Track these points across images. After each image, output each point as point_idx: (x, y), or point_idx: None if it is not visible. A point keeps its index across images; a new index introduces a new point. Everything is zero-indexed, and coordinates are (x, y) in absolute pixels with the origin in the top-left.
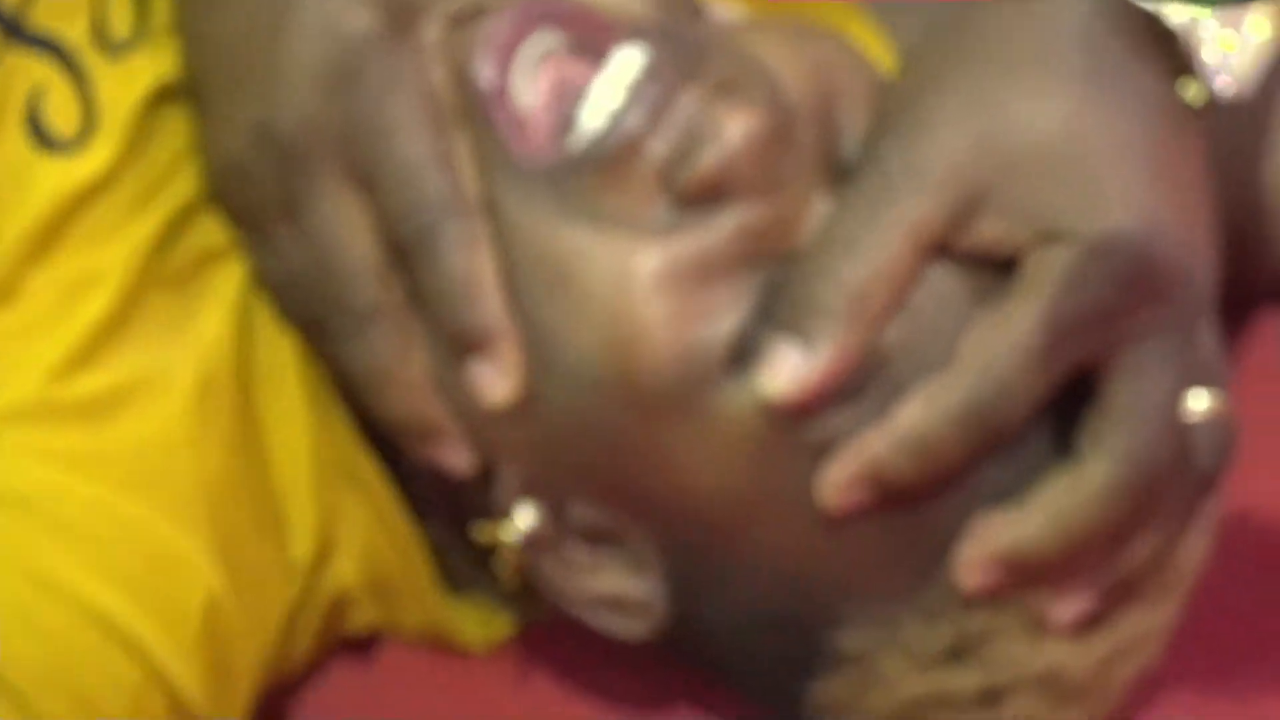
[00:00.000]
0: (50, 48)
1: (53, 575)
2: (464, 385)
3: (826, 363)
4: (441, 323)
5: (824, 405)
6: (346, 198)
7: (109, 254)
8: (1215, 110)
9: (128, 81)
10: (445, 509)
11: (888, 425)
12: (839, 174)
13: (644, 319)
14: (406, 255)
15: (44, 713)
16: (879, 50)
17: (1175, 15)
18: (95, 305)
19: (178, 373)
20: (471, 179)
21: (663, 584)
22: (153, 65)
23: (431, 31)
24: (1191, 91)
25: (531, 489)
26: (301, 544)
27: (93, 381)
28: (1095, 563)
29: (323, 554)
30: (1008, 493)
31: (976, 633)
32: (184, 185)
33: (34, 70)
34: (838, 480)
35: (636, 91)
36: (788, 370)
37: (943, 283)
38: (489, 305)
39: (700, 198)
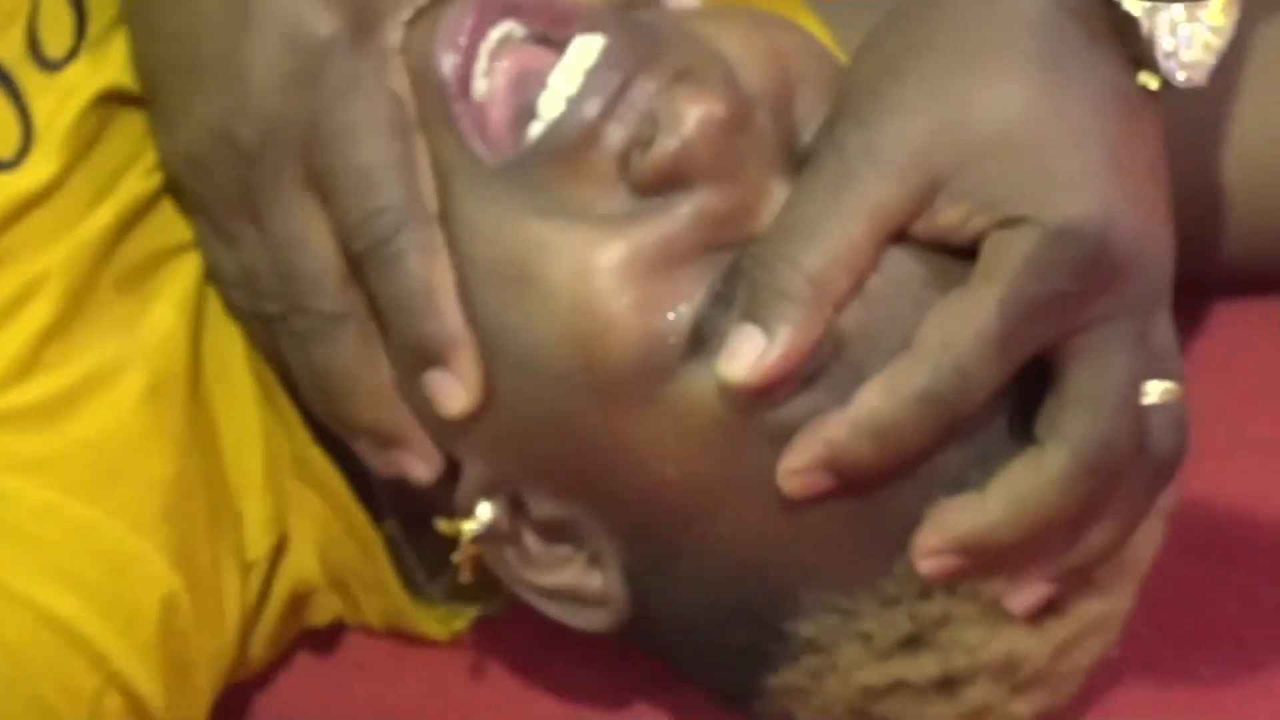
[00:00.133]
0: None
1: (7, 583)
2: (423, 394)
3: (785, 347)
4: (400, 332)
5: (783, 390)
6: (308, 201)
7: (52, 258)
8: (1171, 98)
9: (66, 95)
10: (404, 503)
11: (847, 409)
12: (798, 161)
13: (607, 310)
14: (363, 263)
15: None
16: (826, 43)
17: (1132, 4)
18: (40, 310)
19: (128, 371)
20: (431, 186)
21: (621, 576)
22: (92, 76)
23: (394, 35)
24: (1148, 79)
25: (492, 483)
26: (257, 540)
27: (41, 386)
28: (1053, 549)
29: (279, 549)
30: (966, 479)
31: (934, 620)
32: (135, 185)
33: None
34: (797, 465)
35: (593, 78)
36: (746, 354)
37: (902, 268)
38: (448, 315)
39: (659, 185)
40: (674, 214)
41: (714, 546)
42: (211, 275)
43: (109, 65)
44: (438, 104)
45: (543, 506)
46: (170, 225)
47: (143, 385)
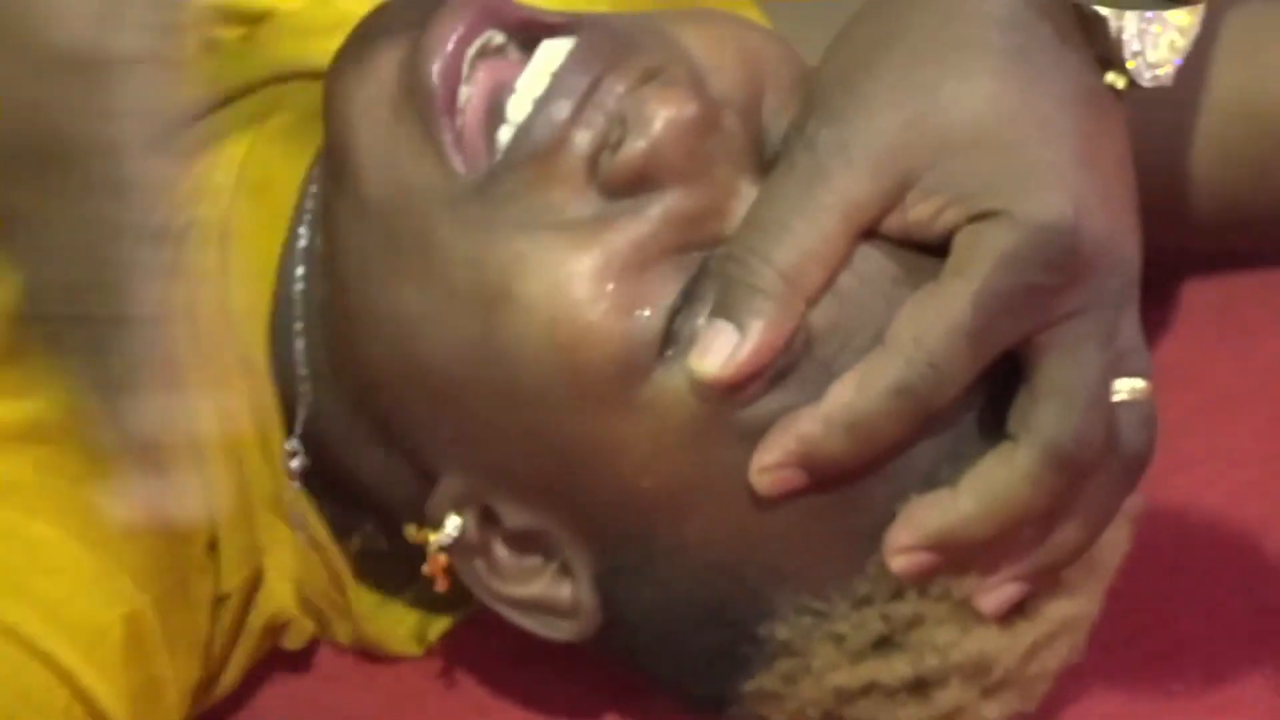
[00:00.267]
0: None
1: None
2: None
3: (757, 342)
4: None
5: (755, 387)
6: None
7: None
8: (1137, 97)
9: None
10: (377, 514)
11: (820, 404)
12: (767, 162)
13: (585, 318)
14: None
15: None
16: None
17: (1101, 4)
18: None
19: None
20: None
21: (592, 586)
22: None
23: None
24: (1115, 79)
25: (465, 496)
26: (229, 573)
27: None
28: (1024, 547)
29: (254, 582)
30: (938, 475)
31: (906, 620)
32: None
33: None
34: (769, 461)
35: (560, 80)
36: (719, 350)
37: (874, 264)
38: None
39: (628, 186)
40: (644, 215)
41: (687, 549)
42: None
43: None
44: (418, 122)
45: (515, 517)
46: None
47: None
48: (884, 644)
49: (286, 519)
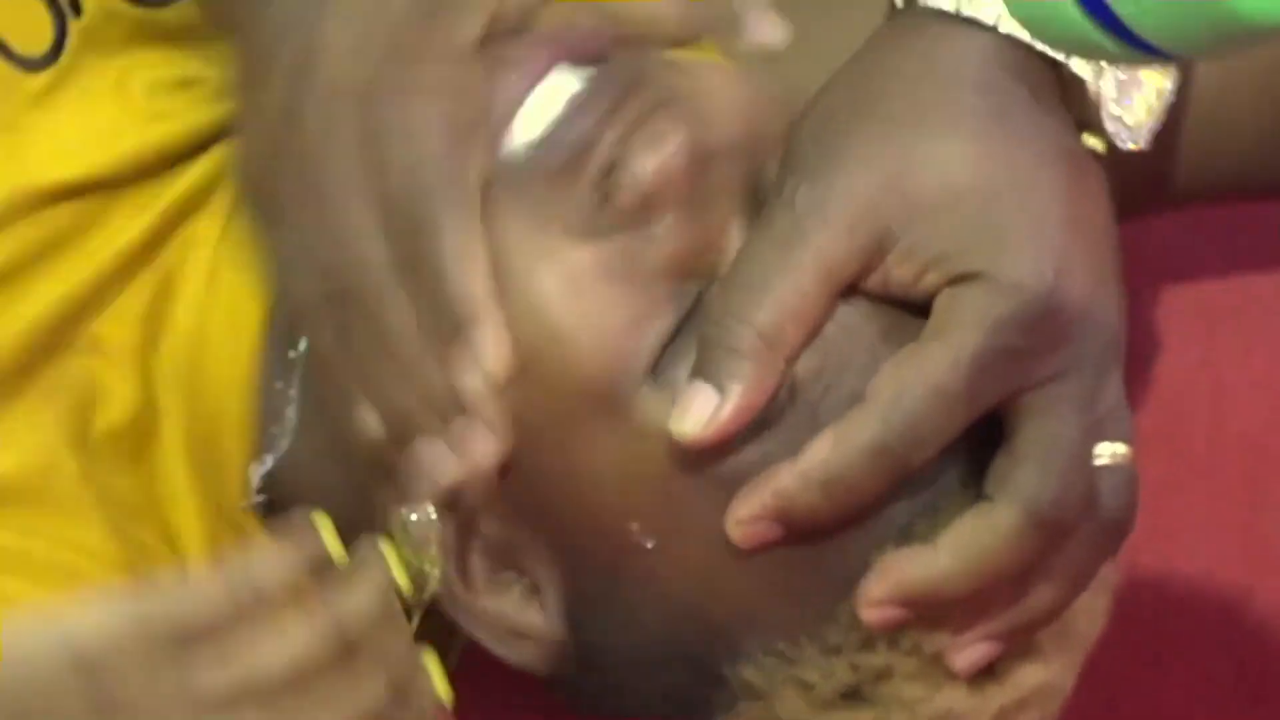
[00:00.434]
0: None
1: None
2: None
3: (737, 404)
4: (428, 300)
5: (735, 439)
6: (359, 164)
7: None
8: (1115, 160)
9: None
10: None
11: (797, 460)
12: (757, 210)
13: (571, 329)
14: (402, 219)
15: None
16: None
17: (1077, 67)
18: None
19: (63, 463)
20: (478, 173)
21: (561, 614)
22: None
23: (470, 28)
24: (1094, 142)
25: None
26: None
27: None
28: (999, 606)
29: None
30: (913, 530)
31: (875, 672)
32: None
33: None
34: (745, 515)
35: (574, 104)
36: (699, 411)
37: (856, 321)
38: (476, 285)
39: (633, 209)
40: (645, 236)
41: (655, 584)
42: (278, 300)
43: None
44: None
45: (491, 528)
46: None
47: (76, 471)
48: (852, 695)
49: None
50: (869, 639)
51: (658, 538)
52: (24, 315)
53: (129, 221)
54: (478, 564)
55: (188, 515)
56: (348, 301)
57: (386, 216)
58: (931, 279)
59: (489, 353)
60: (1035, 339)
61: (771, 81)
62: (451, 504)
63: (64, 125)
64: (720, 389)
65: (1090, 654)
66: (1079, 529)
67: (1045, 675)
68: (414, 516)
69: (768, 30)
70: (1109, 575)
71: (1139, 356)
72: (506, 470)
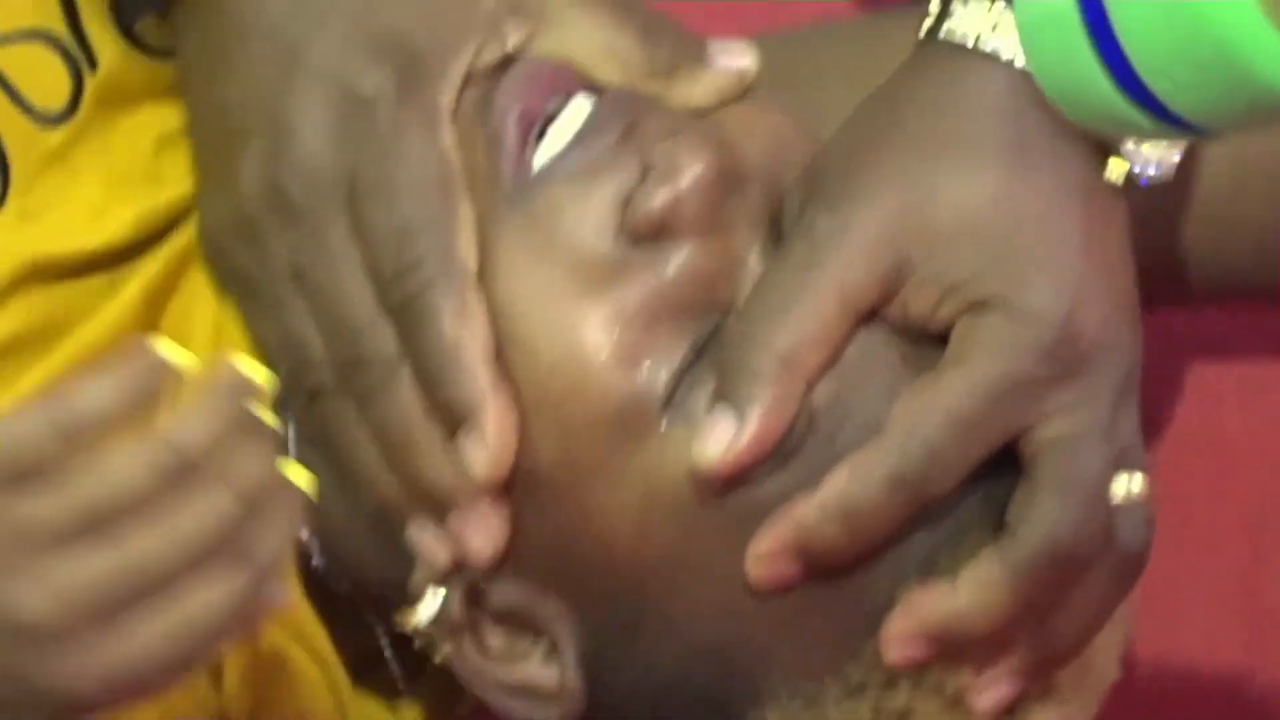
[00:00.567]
0: None
1: None
2: (452, 459)
3: (757, 429)
4: (431, 393)
5: (754, 470)
6: (354, 253)
7: None
8: (1136, 190)
9: None
10: (364, 598)
11: (816, 493)
12: (778, 238)
13: (588, 371)
14: (398, 318)
15: None
16: None
17: None
18: None
19: None
20: (472, 246)
21: (579, 668)
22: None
23: (446, 95)
24: (1113, 171)
25: (453, 570)
26: (232, 696)
27: None
28: (1019, 643)
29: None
30: (936, 562)
31: (897, 712)
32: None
33: None
34: (765, 550)
35: (592, 127)
36: (719, 437)
37: (875, 349)
38: (475, 378)
39: (650, 233)
40: (660, 266)
41: (676, 628)
42: (256, 350)
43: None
44: (488, 160)
45: (503, 593)
46: None
47: None
48: None
49: (292, 633)
50: (892, 678)
51: (677, 580)
52: (24, 391)
53: (132, 292)
54: (494, 632)
55: None
56: (346, 391)
57: (383, 304)
58: (950, 307)
59: (492, 443)
60: (1053, 368)
61: (800, 111)
62: (461, 580)
63: (76, 193)
64: (740, 413)
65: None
66: (1098, 563)
67: (1064, 715)
68: (428, 595)
69: (735, 58)
70: (1126, 615)
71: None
72: (517, 533)
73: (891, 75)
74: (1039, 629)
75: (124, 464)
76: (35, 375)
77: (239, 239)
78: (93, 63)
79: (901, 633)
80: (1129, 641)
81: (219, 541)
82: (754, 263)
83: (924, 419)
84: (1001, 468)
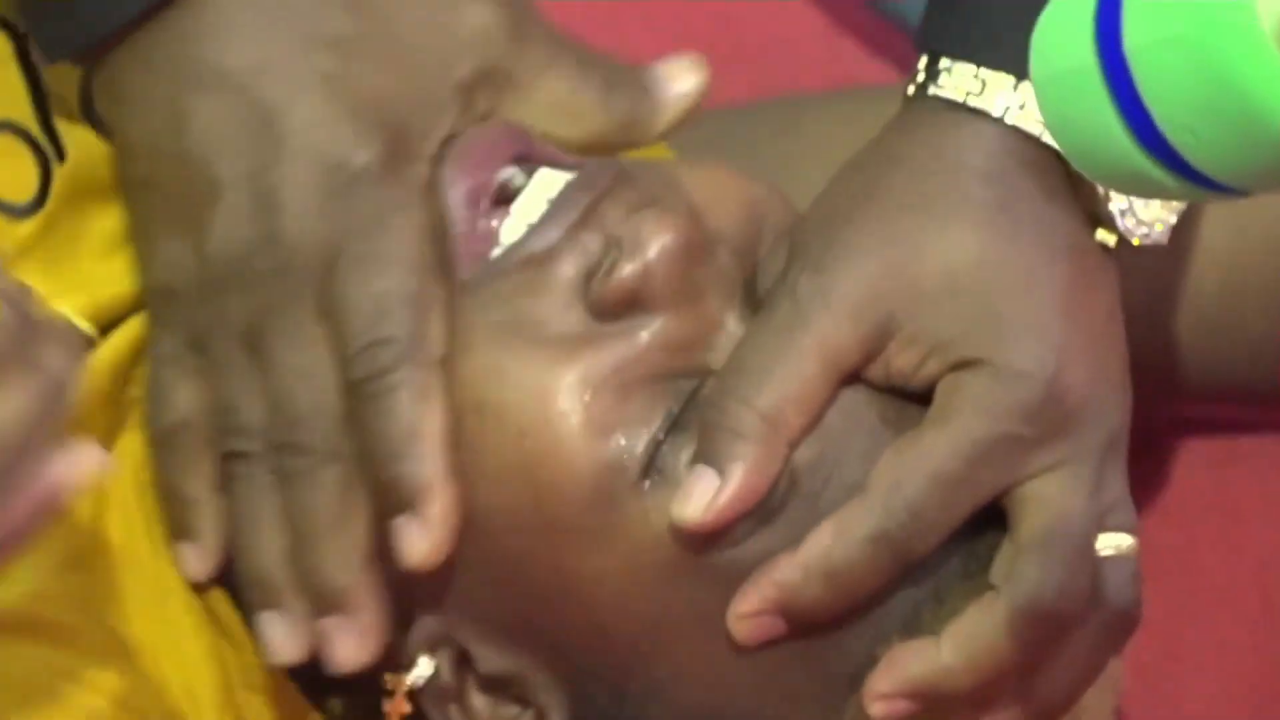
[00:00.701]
0: None
1: None
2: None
3: (738, 486)
4: (378, 471)
5: (737, 530)
6: (318, 332)
7: None
8: (1129, 253)
9: None
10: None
11: (798, 551)
12: (757, 304)
13: (557, 433)
14: (356, 394)
15: None
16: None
17: None
18: None
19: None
20: (444, 330)
21: None
22: None
23: (422, 169)
24: (1105, 236)
25: (439, 636)
26: None
27: None
28: (1005, 701)
29: None
30: (919, 619)
31: None
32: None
33: None
34: (747, 609)
35: (559, 201)
36: (700, 494)
37: (858, 408)
38: (426, 460)
39: (618, 308)
40: (631, 338)
41: (662, 692)
42: (156, 408)
43: None
44: (445, 238)
45: (489, 660)
46: None
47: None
48: None
49: (260, 690)
50: None
51: (662, 644)
52: None
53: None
54: (478, 700)
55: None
56: (269, 464)
57: (343, 379)
58: (933, 366)
59: (435, 530)
60: (1037, 427)
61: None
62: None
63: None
64: (721, 472)
65: None
66: (1085, 621)
67: None
68: (421, 662)
69: (684, 80)
70: (1116, 674)
71: (1149, 481)
72: (501, 601)
73: (877, 134)
74: (1026, 686)
75: None
76: None
77: (197, 291)
78: (61, 154)
79: (885, 690)
80: (1120, 700)
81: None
82: (732, 326)
83: (907, 478)
84: (986, 524)
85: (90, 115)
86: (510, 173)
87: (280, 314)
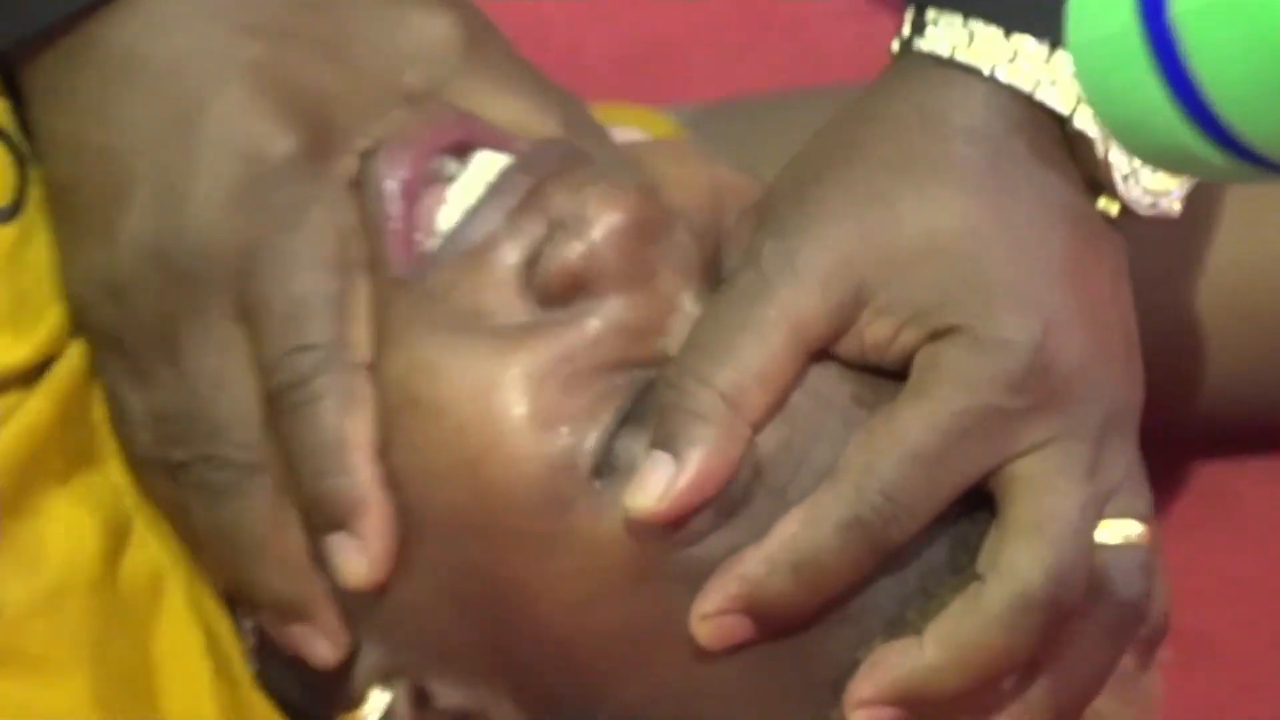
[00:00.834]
0: None
1: None
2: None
3: (696, 471)
4: (304, 486)
5: (699, 522)
6: (234, 335)
7: None
8: (1134, 222)
9: None
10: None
11: (762, 544)
12: (717, 283)
13: (497, 428)
14: (277, 404)
15: None
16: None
17: (1085, 121)
18: None
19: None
20: (366, 333)
21: None
22: None
23: (348, 164)
24: (1108, 204)
25: (391, 667)
26: None
27: None
28: (1001, 703)
29: None
30: (904, 619)
31: None
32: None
33: None
34: (710, 609)
35: (495, 188)
36: (655, 482)
37: (829, 387)
38: (357, 472)
39: (563, 293)
40: (578, 324)
41: (629, 706)
42: (115, 423)
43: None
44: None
45: (446, 695)
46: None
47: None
48: None
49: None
50: None
51: (625, 658)
52: None
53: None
54: None
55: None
56: (211, 466)
57: (263, 389)
58: (909, 337)
59: (372, 548)
60: (1023, 399)
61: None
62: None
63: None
64: (677, 456)
65: None
66: (1086, 614)
67: None
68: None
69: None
70: (1156, 693)
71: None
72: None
73: (859, 94)
74: (1024, 687)
75: None
76: None
77: (108, 296)
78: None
79: (866, 695)
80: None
81: None
82: (690, 308)
83: (881, 458)
84: (976, 510)
85: (23, 119)
86: (447, 163)
87: (193, 315)
